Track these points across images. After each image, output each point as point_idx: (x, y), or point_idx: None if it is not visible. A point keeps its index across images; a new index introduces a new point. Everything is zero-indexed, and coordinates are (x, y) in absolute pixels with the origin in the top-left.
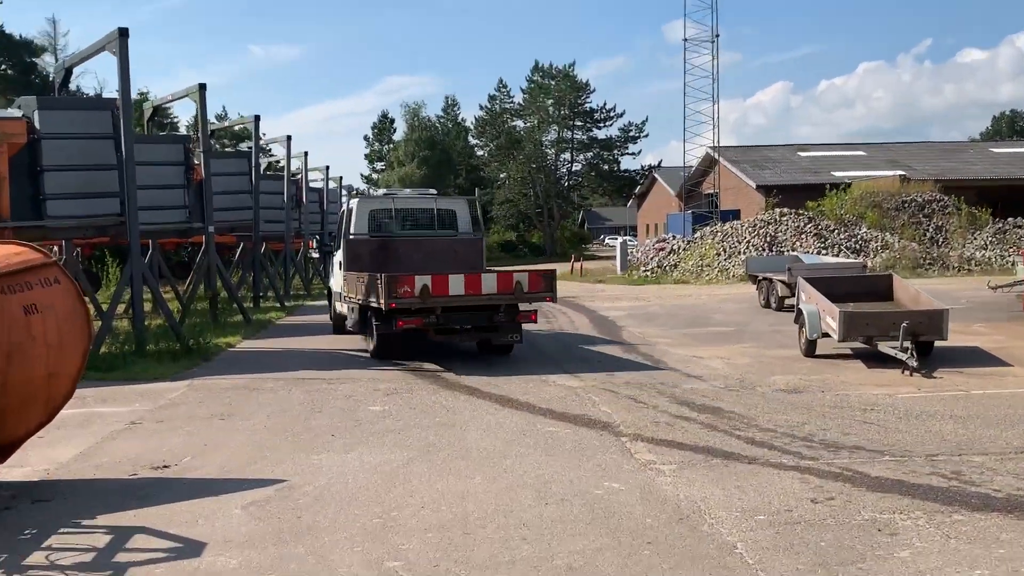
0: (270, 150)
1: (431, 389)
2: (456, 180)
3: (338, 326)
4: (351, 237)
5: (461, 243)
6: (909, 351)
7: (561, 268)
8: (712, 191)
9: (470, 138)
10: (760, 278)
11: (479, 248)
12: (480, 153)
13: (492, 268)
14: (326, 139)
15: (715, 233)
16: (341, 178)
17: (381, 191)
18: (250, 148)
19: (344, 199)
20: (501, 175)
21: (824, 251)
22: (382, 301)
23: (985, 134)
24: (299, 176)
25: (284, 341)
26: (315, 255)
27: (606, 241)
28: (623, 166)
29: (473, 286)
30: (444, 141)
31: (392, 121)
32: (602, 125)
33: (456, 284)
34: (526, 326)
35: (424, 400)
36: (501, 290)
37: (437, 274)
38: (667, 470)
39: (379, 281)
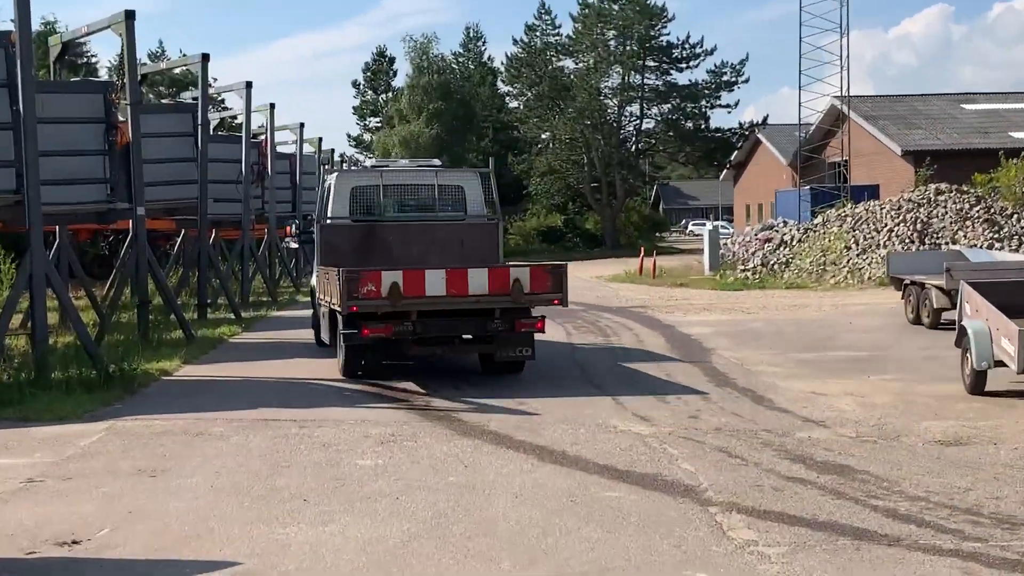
0: (223, 102)
1: (442, 435)
2: (480, 142)
3: (323, 340)
4: (328, 222)
5: (471, 229)
6: None
7: (625, 266)
8: (839, 159)
9: (499, 85)
10: (907, 282)
11: (494, 236)
12: (514, 106)
13: (517, 263)
14: (301, 87)
15: (843, 218)
16: (320, 140)
17: (370, 161)
18: (195, 100)
19: (324, 171)
20: (542, 136)
21: (998, 244)
22: (341, 303)
23: None
24: (263, 138)
25: (241, 367)
26: (294, 245)
27: (689, 228)
28: (714, 123)
29: (457, 284)
30: (464, 89)
31: (392, 62)
32: (684, 66)
33: (435, 281)
34: (580, 342)
35: (433, 450)
36: (494, 290)
37: (410, 269)
38: (774, 555)
39: (337, 277)
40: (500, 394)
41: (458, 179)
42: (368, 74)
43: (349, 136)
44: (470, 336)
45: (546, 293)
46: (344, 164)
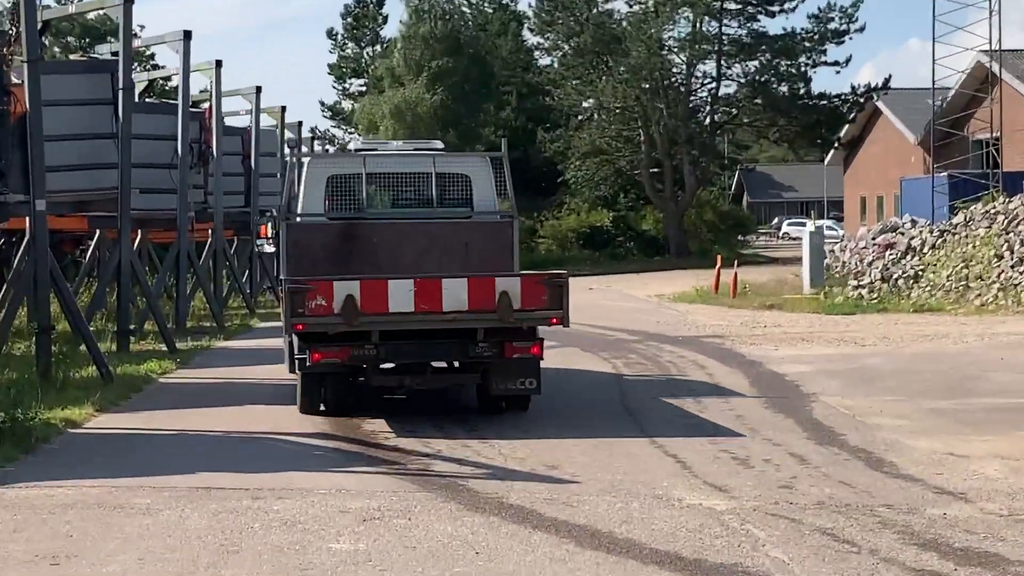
0: (153, 58)
1: (445, 509)
2: (500, 113)
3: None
4: (297, 220)
5: (478, 229)
6: None
7: (696, 280)
8: (987, 135)
9: (526, 34)
10: None
11: (507, 237)
12: (545, 63)
13: (535, 272)
14: (257, 38)
15: (993, 216)
16: (284, 110)
17: (355, 143)
18: (115, 55)
19: (292, 154)
20: (584, 104)
21: None
22: (284, 320)
23: None
24: (206, 107)
25: (175, 416)
26: (269, 249)
27: (784, 230)
28: (817, 87)
29: (429, 298)
30: (478, 41)
31: (381, 3)
32: (778, 10)
33: (401, 294)
34: (633, 383)
35: (432, 531)
36: (476, 305)
37: (369, 279)
38: None
39: (281, 291)
40: (525, 451)
41: (463, 166)
42: (349, 20)
43: (323, 104)
44: (446, 364)
45: (542, 310)
46: (318, 144)
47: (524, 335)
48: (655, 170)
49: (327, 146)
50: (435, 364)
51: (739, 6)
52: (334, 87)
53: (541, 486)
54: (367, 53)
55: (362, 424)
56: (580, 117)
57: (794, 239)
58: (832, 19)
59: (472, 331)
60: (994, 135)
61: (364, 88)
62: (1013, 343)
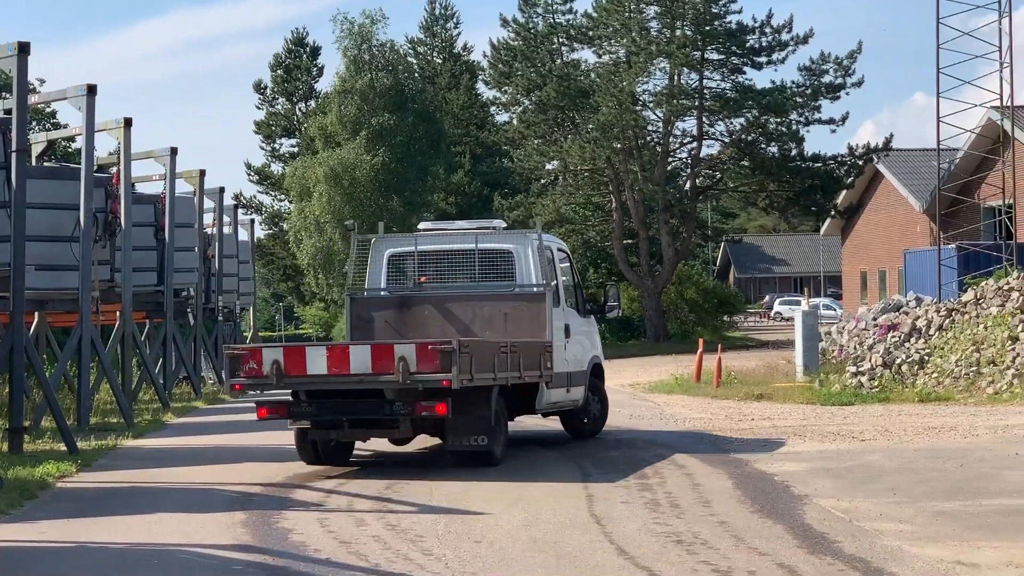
0: (53, 115)
1: None
2: (451, 176)
3: None
4: (356, 295)
5: (516, 302)
6: None
7: (676, 367)
8: (1000, 202)
9: (481, 88)
10: None
11: (541, 307)
12: (503, 120)
13: (426, 340)
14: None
15: (1007, 293)
16: (203, 174)
17: (425, 224)
18: (8, 112)
19: (353, 235)
20: (547, 166)
21: None
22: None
23: None
24: (115, 171)
25: (74, 527)
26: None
27: (775, 309)
28: (811, 148)
29: (338, 363)
30: (425, 95)
31: (316, 54)
32: (765, 61)
33: (315, 359)
34: (603, 487)
35: None
36: (378, 369)
37: (290, 346)
38: None
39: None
40: (477, 564)
41: (505, 242)
42: (279, 72)
43: (249, 167)
44: (371, 419)
45: (435, 372)
46: (240, 208)
47: (431, 395)
48: (629, 242)
49: (252, 214)
50: (362, 418)
51: (722, 57)
52: (262, 147)
53: None
54: (299, 109)
55: (291, 534)
56: (543, 181)
57: (786, 319)
58: (826, 72)
59: (378, 391)
60: (1007, 201)
61: (296, 149)
62: None
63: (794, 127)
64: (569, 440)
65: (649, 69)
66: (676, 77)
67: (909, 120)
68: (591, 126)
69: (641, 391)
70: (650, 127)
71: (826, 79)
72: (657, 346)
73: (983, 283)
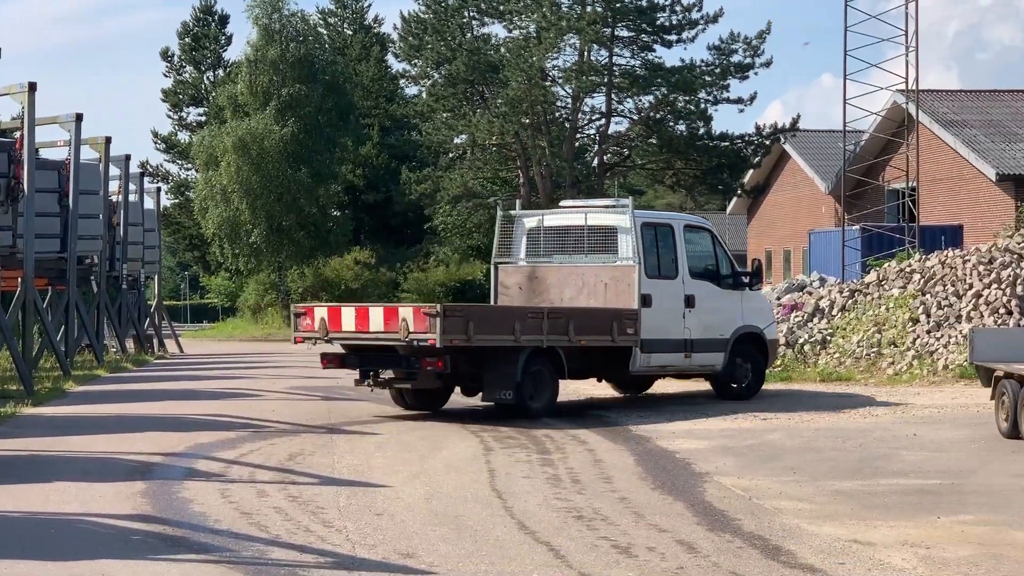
0: None
1: None
2: (359, 148)
3: None
4: (497, 262)
5: (614, 272)
6: None
7: None
8: (904, 184)
9: (391, 60)
10: (1000, 374)
11: (630, 278)
12: (412, 93)
13: (420, 304)
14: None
15: (909, 275)
16: (109, 141)
17: (567, 201)
18: None
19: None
20: (456, 140)
21: None
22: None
23: None
24: (17, 135)
25: None
26: None
27: None
28: (719, 127)
29: (362, 321)
30: (335, 67)
31: (224, 22)
32: (675, 39)
33: (347, 318)
34: (505, 463)
35: None
36: (388, 328)
37: (332, 306)
38: None
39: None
40: (377, 536)
41: (609, 219)
42: (187, 41)
43: (156, 135)
44: (401, 372)
45: (425, 333)
46: (147, 177)
47: (433, 352)
48: None
49: (158, 183)
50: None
51: (632, 34)
52: (169, 116)
53: None
54: (208, 78)
55: (191, 504)
56: (451, 155)
57: None
58: (735, 51)
59: (391, 347)
60: (911, 184)
61: (204, 118)
62: (927, 417)
63: (702, 106)
64: (473, 415)
65: (559, 45)
66: (586, 53)
67: (816, 101)
68: (500, 101)
69: None
70: (559, 103)
71: (735, 58)
72: None
73: (886, 265)
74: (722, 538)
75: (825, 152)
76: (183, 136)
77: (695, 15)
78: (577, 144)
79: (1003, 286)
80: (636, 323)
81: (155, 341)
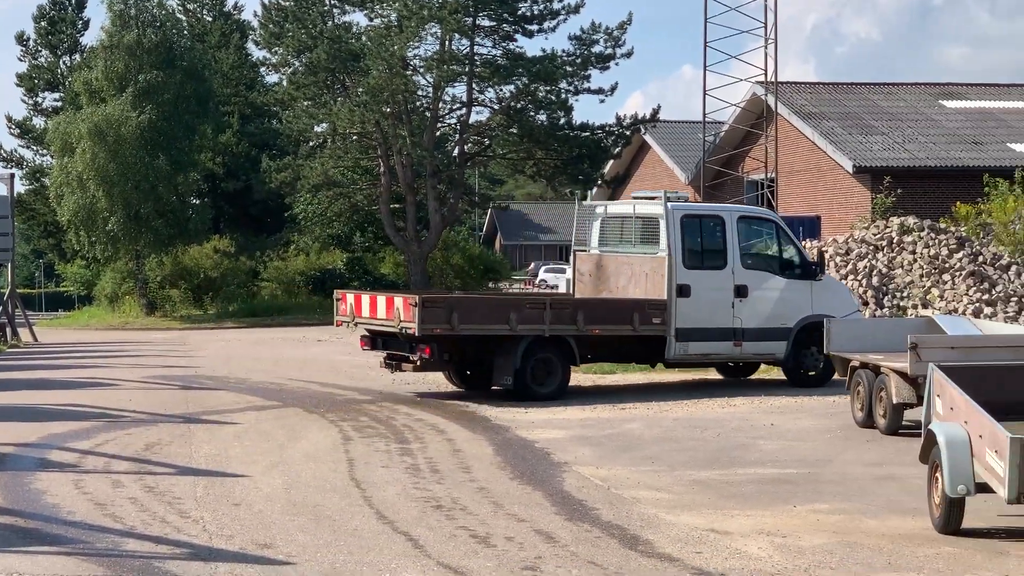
0: None
1: None
2: (219, 136)
3: None
4: (575, 249)
5: (652, 263)
6: None
7: None
8: (763, 175)
9: (251, 48)
10: (855, 364)
11: (662, 268)
12: (273, 81)
13: (407, 295)
14: None
15: None
16: None
17: (638, 192)
18: None
19: (577, 200)
20: (316, 129)
21: (988, 309)
22: None
23: None
24: None
25: None
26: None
27: (540, 276)
28: (579, 117)
29: (372, 308)
30: (194, 53)
31: (81, 6)
32: (536, 29)
33: (365, 305)
34: (363, 453)
35: None
36: (389, 316)
37: (356, 293)
38: None
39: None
40: (235, 527)
41: (655, 210)
42: (43, 24)
43: (10, 120)
44: (403, 355)
45: (410, 322)
46: (0, 163)
47: (423, 340)
48: (396, 206)
49: (12, 169)
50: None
51: (493, 23)
52: (24, 101)
53: (251, 568)
54: (64, 63)
55: (44, 496)
56: (311, 144)
57: (551, 287)
58: (597, 42)
59: (393, 333)
60: (769, 176)
61: (60, 103)
62: (784, 407)
63: (563, 96)
64: (333, 404)
65: (420, 34)
66: (447, 43)
67: (677, 92)
68: (361, 90)
69: None
70: (420, 92)
71: (596, 49)
72: None
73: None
74: (580, 528)
75: (685, 143)
76: (38, 122)
77: (556, 5)
78: (438, 133)
79: (859, 277)
80: (666, 313)
81: (8, 330)
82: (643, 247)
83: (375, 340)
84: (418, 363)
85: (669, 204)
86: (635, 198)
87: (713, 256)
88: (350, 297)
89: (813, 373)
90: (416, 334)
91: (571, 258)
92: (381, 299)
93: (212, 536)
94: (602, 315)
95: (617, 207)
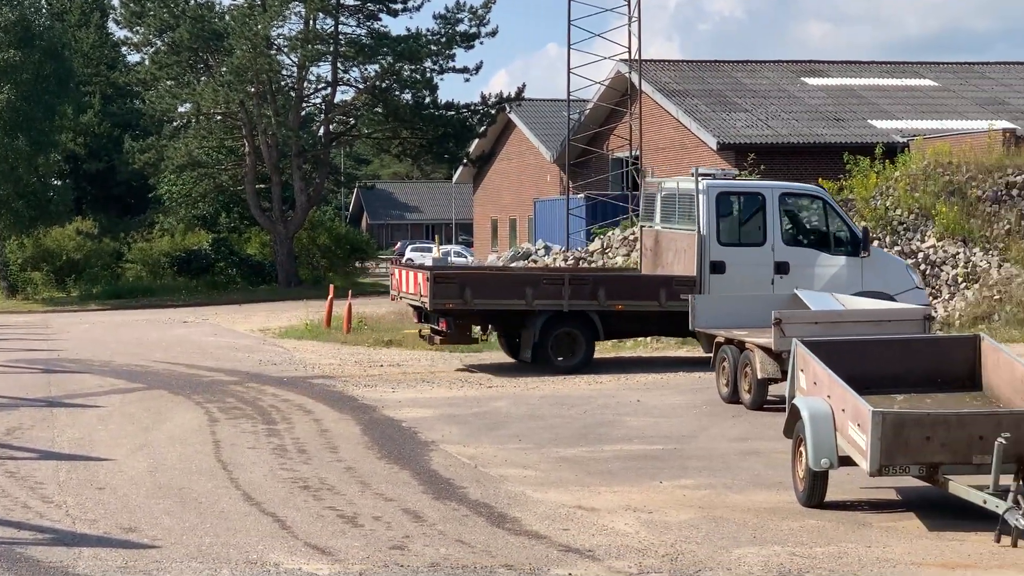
0: None
1: None
2: (80, 117)
3: None
4: (640, 224)
5: (689, 240)
6: (1012, 495)
7: (307, 313)
8: (628, 153)
9: (112, 27)
10: (720, 340)
11: (691, 244)
12: (135, 61)
13: (424, 270)
14: None
15: (632, 242)
16: None
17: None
18: None
19: (641, 178)
20: (179, 109)
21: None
22: None
23: None
24: None
25: None
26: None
27: (407, 255)
28: (445, 96)
29: (405, 284)
30: (53, 32)
31: None
32: (400, 8)
33: (404, 280)
34: (229, 433)
35: None
36: (415, 291)
37: (398, 267)
38: None
39: None
40: (99, 511)
41: (692, 187)
42: None
43: None
44: (434, 328)
45: (424, 297)
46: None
47: (444, 313)
48: (262, 186)
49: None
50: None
51: (358, 3)
52: None
53: (115, 553)
54: None
55: None
56: (175, 124)
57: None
58: (461, 20)
59: (422, 308)
60: (634, 153)
61: None
62: (651, 383)
63: (428, 75)
64: (200, 386)
65: (284, 13)
66: (311, 22)
67: (542, 70)
68: (225, 69)
69: (272, 336)
70: (284, 72)
71: (461, 28)
72: (288, 291)
73: (609, 232)
74: (448, 506)
75: (550, 121)
76: None
77: None
78: (303, 113)
79: None
80: (695, 289)
81: None
82: (685, 223)
83: (419, 313)
84: (441, 336)
85: (704, 182)
86: (692, 174)
87: (751, 233)
88: (397, 273)
89: None
90: (429, 308)
91: (640, 234)
92: (410, 275)
93: (75, 521)
94: (626, 291)
95: (671, 183)
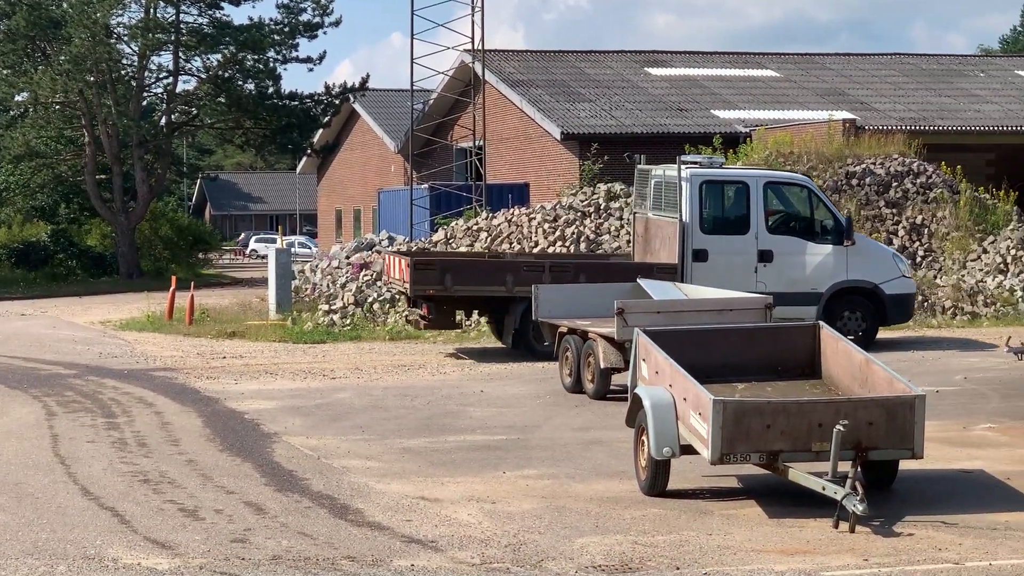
0: None
1: None
2: None
3: None
4: (633, 212)
5: (672, 227)
6: (850, 482)
7: (148, 304)
8: (472, 143)
9: None
10: (563, 330)
11: (675, 233)
12: None
13: (405, 255)
14: None
15: (476, 233)
16: None
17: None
18: None
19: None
20: (17, 98)
21: None
22: None
23: (1008, 43)
24: None
25: None
26: None
27: (251, 247)
28: (288, 86)
29: (390, 269)
30: None
31: None
32: None
33: (390, 265)
34: (68, 427)
35: None
36: (400, 276)
37: (386, 253)
38: None
39: None
40: None
41: (677, 175)
42: None
43: None
44: (419, 313)
45: (406, 283)
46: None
47: (426, 299)
48: (102, 177)
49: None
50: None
51: None
52: None
53: None
54: None
55: None
56: (12, 113)
57: (261, 257)
58: (304, 10)
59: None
60: (478, 143)
61: None
62: (495, 374)
63: (271, 65)
64: (37, 379)
65: (124, 1)
66: (152, 11)
67: (387, 60)
68: (63, 58)
69: (112, 329)
70: (125, 61)
71: (304, 17)
72: (130, 283)
73: (453, 223)
74: (290, 498)
75: (394, 111)
76: None
77: None
78: (144, 103)
79: (567, 243)
80: (675, 276)
81: None
82: (670, 211)
83: (409, 299)
84: (426, 322)
85: (688, 170)
86: (681, 162)
87: (734, 221)
88: (385, 259)
89: (853, 337)
90: (410, 294)
91: (632, 221)
92: (395, 260)
93: None
94: (605, 278)
95: (660, 171)
